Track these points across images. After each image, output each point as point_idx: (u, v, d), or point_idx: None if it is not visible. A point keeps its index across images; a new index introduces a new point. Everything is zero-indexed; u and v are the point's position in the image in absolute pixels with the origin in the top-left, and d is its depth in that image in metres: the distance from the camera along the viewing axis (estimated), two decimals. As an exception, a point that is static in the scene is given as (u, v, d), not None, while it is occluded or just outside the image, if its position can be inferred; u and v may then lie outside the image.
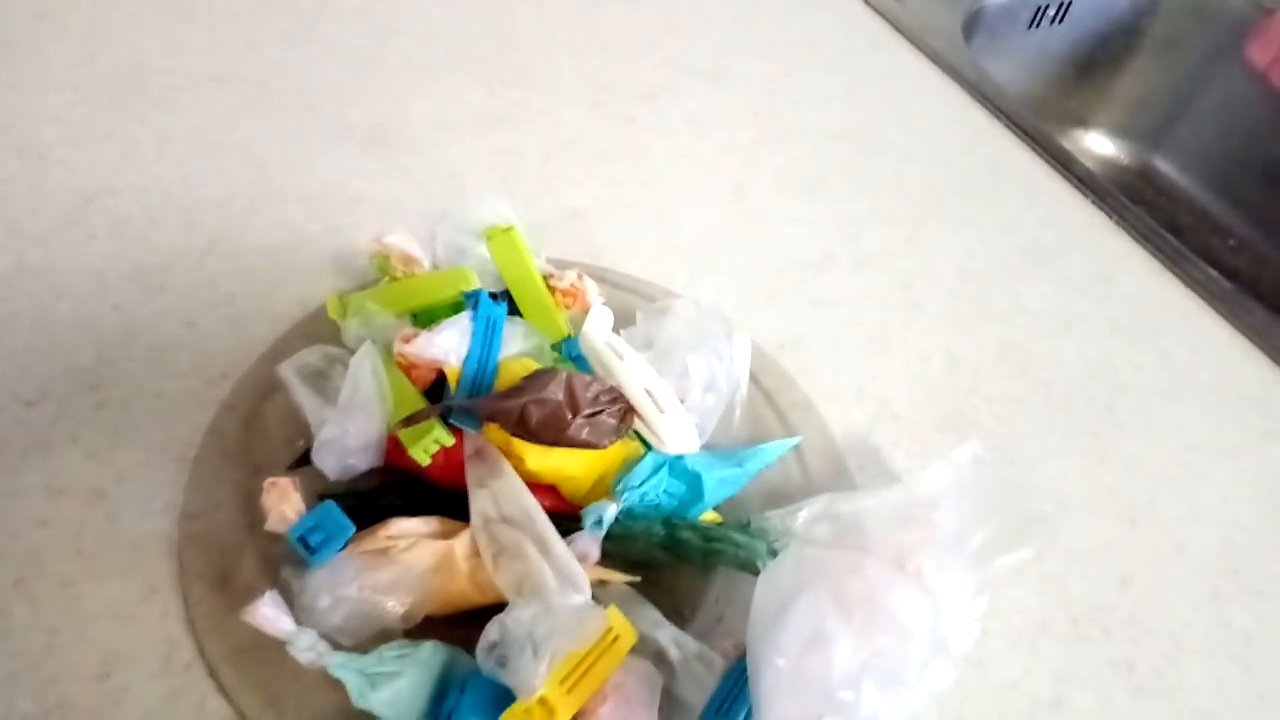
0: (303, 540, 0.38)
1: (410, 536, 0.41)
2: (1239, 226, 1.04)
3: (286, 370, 0.44)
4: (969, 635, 0.40)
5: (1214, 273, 0.68)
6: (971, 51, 0.89)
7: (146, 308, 0.52)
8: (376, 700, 0.37)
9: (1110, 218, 0.72)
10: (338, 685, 0.37)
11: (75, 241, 0.54)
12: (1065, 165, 0.76)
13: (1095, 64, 1.09)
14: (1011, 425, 0.56)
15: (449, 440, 0.43)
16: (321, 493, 0.45)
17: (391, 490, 0.45)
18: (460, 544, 0.41)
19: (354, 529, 0.39)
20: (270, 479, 0.40)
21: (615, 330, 0.49)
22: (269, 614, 0.37)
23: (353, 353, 0.44)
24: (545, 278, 0.50)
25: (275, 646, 0.37)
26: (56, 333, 0.50)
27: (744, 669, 0.38)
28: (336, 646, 0.38)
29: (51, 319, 0.50)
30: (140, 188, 0.58)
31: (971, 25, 0.94)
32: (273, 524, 0.39)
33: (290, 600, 0.38)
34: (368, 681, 0.37)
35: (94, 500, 0.44)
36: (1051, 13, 1.02)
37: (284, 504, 0.39)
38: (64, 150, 0.59)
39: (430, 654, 0.39)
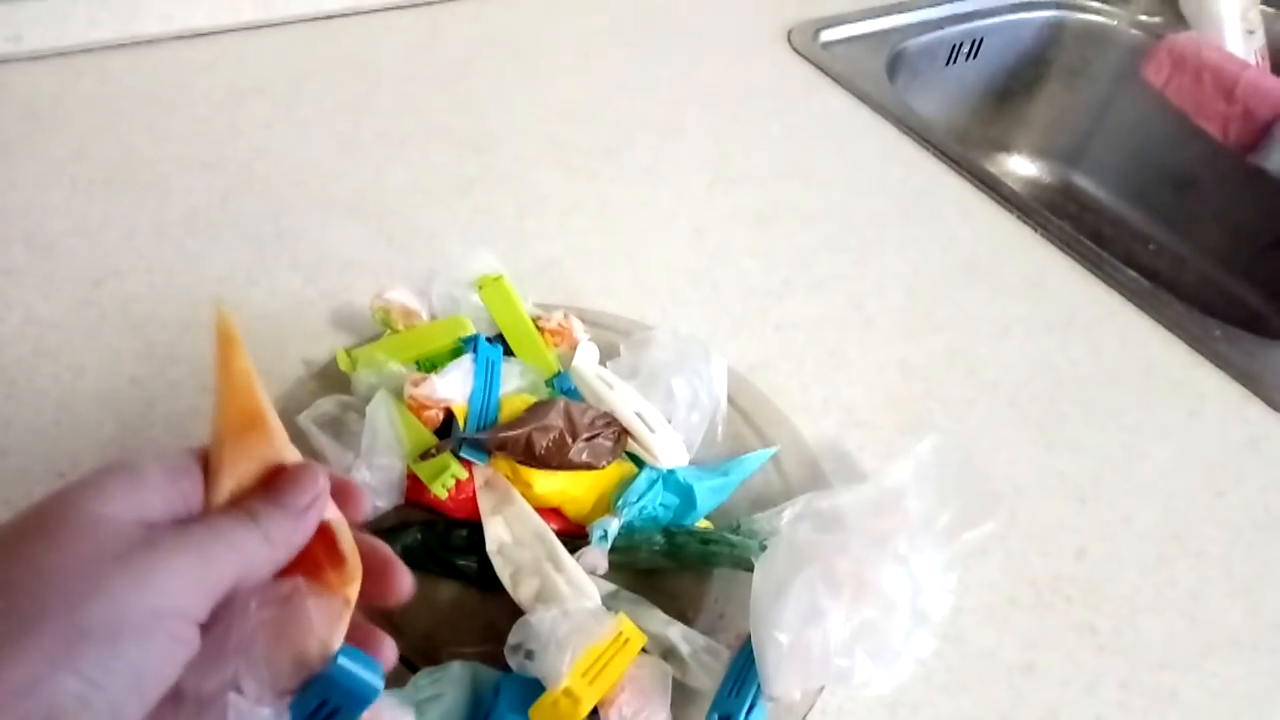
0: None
1: None
2: (1156, 232, 1.13)
3: (305, 420, 0.48)
4: (944, 606, 0.45)
5: (1132, 273, 0.75)
6: (896, 90, 0.97)
7: (161, 379, 0.55)
8: (429, 725, 0.40)
9: (1036, 231, 0.79)
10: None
11: (88, 322, 0.58)
12: (991, 187, 0.83)
13: (1010, 93, 1.18)
14: (965, 422, 0.62)
15: (463, 475, 0.47)
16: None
17: (412, 525, 0.48)
18: None
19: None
20: None
21: (601, 363, 0.54)
22: None
23: (365, 400, 0.49)
24: (534, 319, 0.55)
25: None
26: (80, 407, 0.53)
27: (748, 655, 0.42)
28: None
29: (74, 395, 0.53)
30: (144, 269, 0.61)
31: (894, 66, 1.02)
32: None
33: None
34: (417, 711, 0.40)
35: (130, 559, 0.47)
36: (966, 49, 1.11)
37: None
38: (69, 240, 0.62)
39: (459, 671, 0.43)
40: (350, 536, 0.29)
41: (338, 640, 0.27)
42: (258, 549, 0.26)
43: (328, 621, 0.27)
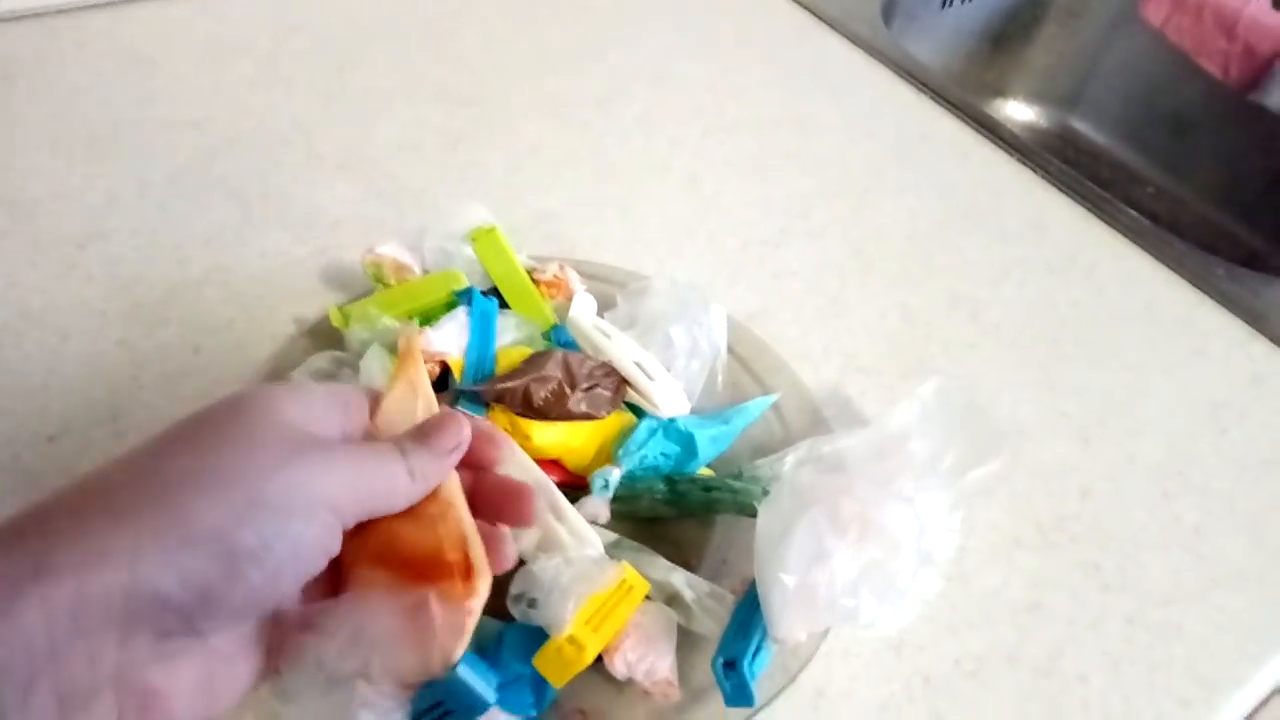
0: None
1: None
2: (1155, 175, 1.11)
3: (300, 376, 0.48)
4: (950, 546, 0.44)
5: (1134, 213, 0.74)
6: (892, 34, 0.95)
7: (150, 340, 0.54)
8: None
9: (1036, 173, 0.78)
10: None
11: (73, 285, 0.56)
12: (990, 130, 0.81)
13: (1006, 36, 1.16)
14: (967, 366, 0.61)
15: (460, 426, 0.46)
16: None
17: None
18: None
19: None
20: None
21: (599, 314, 0.53)
22: None
23: (358, 356, 0.48)
24: (529, 271, 0.54)
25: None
26: (68, 371, 0.52)
27: (753, 599, 0.42)
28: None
29: (61, 359, 0.53)
30: (129, 230, 0.60)
31: (889, 9, 1.00)
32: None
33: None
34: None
35: (127, 521, 0.47)
36: (962, -8, 1.09)
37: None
38: (51, 203, 0.61)
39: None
40: (481, 547, 0.30)
41: (459, 650, 0.29)
42: (403, 479, 0.30)
43: (451, 633, 0.28)
